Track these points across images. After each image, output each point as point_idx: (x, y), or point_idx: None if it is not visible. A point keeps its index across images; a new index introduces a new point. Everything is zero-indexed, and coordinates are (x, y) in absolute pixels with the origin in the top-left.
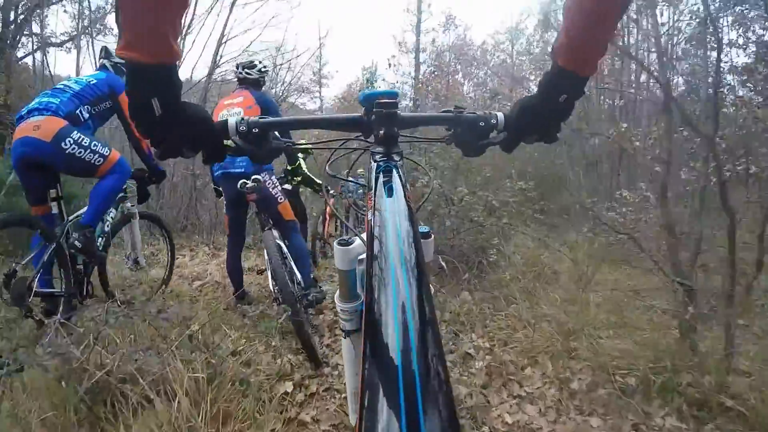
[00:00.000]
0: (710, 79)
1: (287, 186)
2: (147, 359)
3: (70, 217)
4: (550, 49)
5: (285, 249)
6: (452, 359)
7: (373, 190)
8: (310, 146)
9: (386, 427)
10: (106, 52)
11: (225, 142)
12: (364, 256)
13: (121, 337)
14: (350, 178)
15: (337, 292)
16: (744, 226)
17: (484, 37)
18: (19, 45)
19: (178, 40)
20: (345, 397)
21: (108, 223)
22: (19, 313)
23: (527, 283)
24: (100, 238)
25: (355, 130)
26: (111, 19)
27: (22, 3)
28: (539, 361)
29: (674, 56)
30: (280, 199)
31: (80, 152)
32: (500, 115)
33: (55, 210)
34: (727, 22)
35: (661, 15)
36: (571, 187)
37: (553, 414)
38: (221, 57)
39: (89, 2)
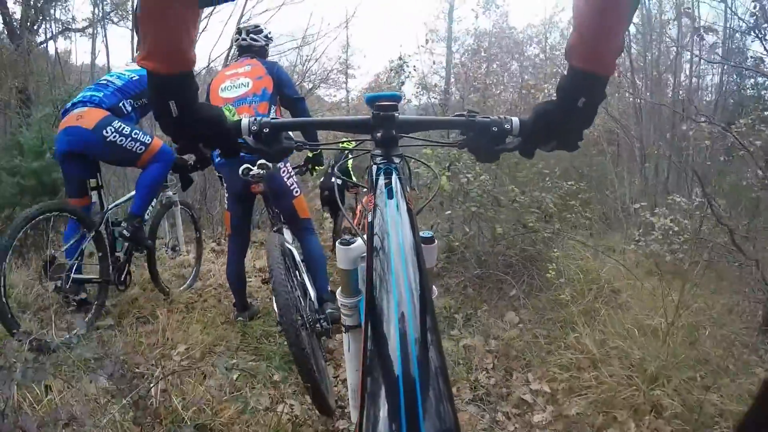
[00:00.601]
0: None
1: (337, 180)
2: None
3: (110, 206)
4: (564, 51)
5: (297, 255)
6: (505, 409)
7: (373, 192)
8: (318, 146)
9: (386, 423)
10: None
11: (239, 140)
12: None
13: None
14: (355, 180)
15: (339, 288)
16: None
17: (524, 24)
18: (39, 30)
19: (192, 49)
20: None
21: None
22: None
23: (587, 305)
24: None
25: (363, 131)
26: (130, 5)
27: None
28: (618, 419)
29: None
30: (296, 191)
31: (121, 140)
32: (515, 120)
33: (95, 199)
34: None
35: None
36: (614, 188)
37: None
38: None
39: None
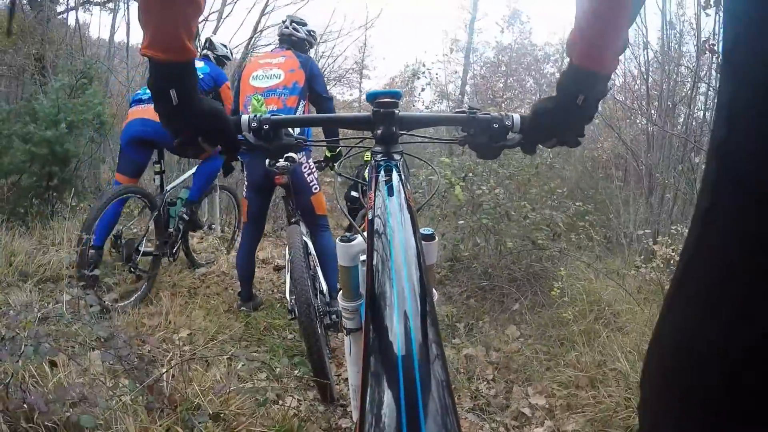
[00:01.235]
0: None
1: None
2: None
3: (168, 188)
4: (564, 47)
5: (312, 249)
6: (504, 421)
7: (373, 189)
8: (319, 144)
9: (387, 424)
10: (210, 44)
11: (239, 136)
12: (365, 254)
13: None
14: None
15: (340, 291)
16: None
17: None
18: (60, 0)
19: (193, 41)
20: None
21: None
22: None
23: (588, 325)
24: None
25: (365, 128)
26: None
27: None
28: None
29: None
30: (315, 188)
31: None
32: (516, 116)
33: (157, 182)
34: None
35: None
36: (618, 213)
37: None
38: (262, 30)
39: None
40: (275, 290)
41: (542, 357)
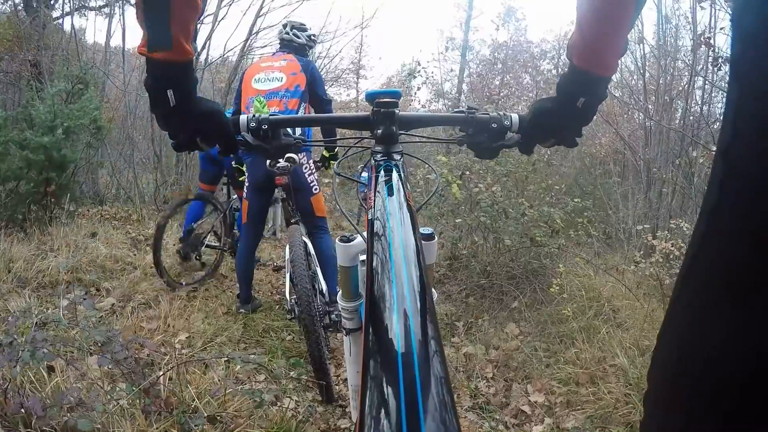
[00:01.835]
0: None
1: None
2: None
3: (234, 196)
4: (565, 49)
5: (312, 250)
6: (504, 419)
7: (373, 189)
8: (319, 144)
9: (387, 423)
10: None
11: (237, 136)
12: (365, 254)
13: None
14: (355, 177)
15: (339, 292)
16: None
17: (539, 38)
18: (56, 5)
19: (191, 41)
20: None
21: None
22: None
23: (588, 321)
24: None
25: (363, 128)
26: None
27: None
28: None
29: None
30: (315, 189)
31: None
32: (514, 116)
33: (224, 190)
34: None
35: None
36: (617, 209)
37: None
38: (258, 32)
39: None
40: (274, 292)
41: (542, 354)
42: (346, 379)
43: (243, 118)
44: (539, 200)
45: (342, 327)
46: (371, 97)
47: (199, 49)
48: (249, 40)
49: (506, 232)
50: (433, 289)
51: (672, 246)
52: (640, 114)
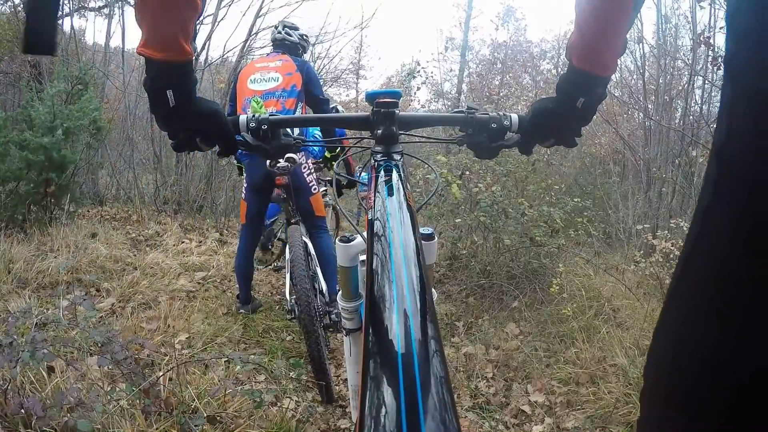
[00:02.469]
0: None
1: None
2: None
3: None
4: (564, 50)
5: (312, 250)
6: (504, 419)
7: (373, 189)
8: (318, 144)
9: (387, 423)
10: None
11: (237, 136)
12: (365, 254)
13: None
14: (355, 178)
15: (339, 292)
16: None
17: (539, 37)
18: None
19: (191, 41)
20: None
21: None
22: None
23: (588, 321)
24: None
25: (363, 128)
26: None
27: None
28: None
29: None
30: (314, 188)
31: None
32: (514, 116)
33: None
34: None
35: None
36: (617, 208)
37: None
38: (257, 32)
39: None
40: (274, 292)
41: (542, 354)
42: (346, 380)
43: (243, 118)
44: (539, 200)
45: (342, 327)
46: (371, 97)
47: (198, 49)
48: (249, 41)
49: (506, 232)
50: (433, 289)
51: (672, 245)
52: (640, 114)
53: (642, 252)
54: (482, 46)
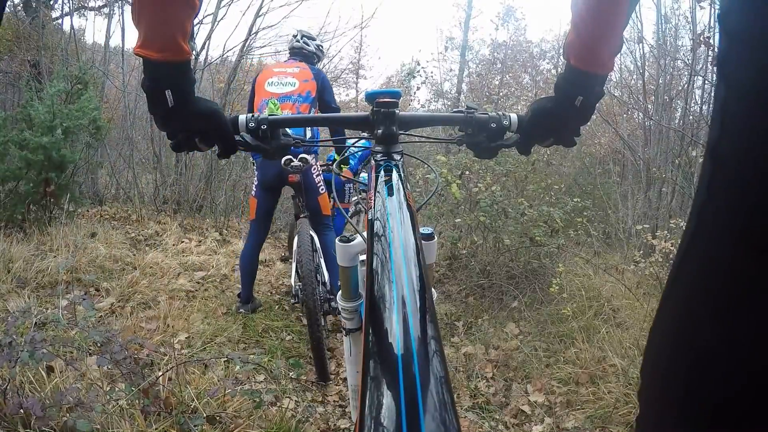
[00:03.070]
0: None
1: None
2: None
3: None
4: (562, 49)
5: (317, 244)
6: (504, 419)
7: (373, 189)
8: (319, 144)
9: (387, 423)
10: None
11: (236, 137)
12: (365, 254)
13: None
14: (355, 177)
15: (339, 291)
16: None
17: (538, 38)
18: (54, 5)
19: (189, 40)
20: None
21: None
22: None
23: (588, 321)
24: None
25: (362, 128)
26: None
27: None
28: None
29: None
30: (321, 189)
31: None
32: (513, 116)
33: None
34: None
35: None
36: (617, 208)
37: None
38: (257, 31)
39: None
40: (273, 292)
41: (541, 354)
42: (345, 379)
43: (242, 118)
44: (539, 200)
45: (342, 327)
46: (371, 97)
47: (198, 49)
48: (248, 40)
49: (506, 232)
50: (432, 289)
51: (672, 246)
52: (640, 114)
53: (642, 252)
54: (482, 46)
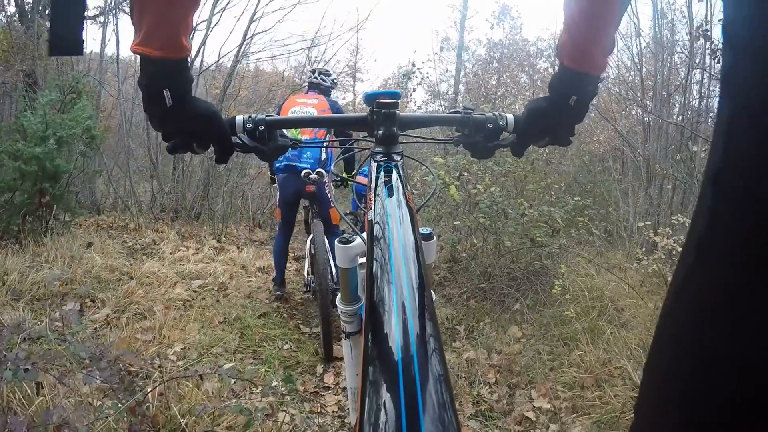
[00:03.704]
0: None
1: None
2: None
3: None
4: (555, 50)
5: (327, 245)
6: (508, 426)
7: (373, 190)
8: (315, 145)
9: (387, 425)
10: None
11: (233, 138)
12: (364, 256)
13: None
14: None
15: (339, 294)
16: None
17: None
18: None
19: (189, 37)
20: None
21: None
22: None
23: (592, 322)
24: None
25: (361, 129)
26: None
27: None
28: None
29: None
30: (332, 203)
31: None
32: (510, 116)
33: None
34: None
35: None
36: (617, 206)
37: None
38: (252, 36)
39: None
40: (272, 299)
41: (545, 357)
42: (344, 388)
43: (239, 119)
44: (539, 200)
45: (341, 330)
46: (370, 98)
47: (192, 55)
48: (243, 45)
49: (506, 233)
50: (432, 291)
51: (674, 242)
52: (639, 110)
53: (644, 249)
54: (478, 46)
